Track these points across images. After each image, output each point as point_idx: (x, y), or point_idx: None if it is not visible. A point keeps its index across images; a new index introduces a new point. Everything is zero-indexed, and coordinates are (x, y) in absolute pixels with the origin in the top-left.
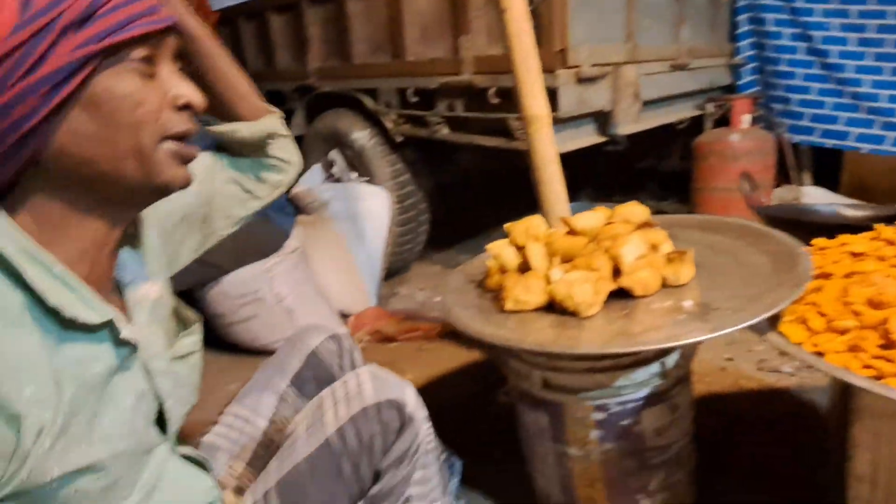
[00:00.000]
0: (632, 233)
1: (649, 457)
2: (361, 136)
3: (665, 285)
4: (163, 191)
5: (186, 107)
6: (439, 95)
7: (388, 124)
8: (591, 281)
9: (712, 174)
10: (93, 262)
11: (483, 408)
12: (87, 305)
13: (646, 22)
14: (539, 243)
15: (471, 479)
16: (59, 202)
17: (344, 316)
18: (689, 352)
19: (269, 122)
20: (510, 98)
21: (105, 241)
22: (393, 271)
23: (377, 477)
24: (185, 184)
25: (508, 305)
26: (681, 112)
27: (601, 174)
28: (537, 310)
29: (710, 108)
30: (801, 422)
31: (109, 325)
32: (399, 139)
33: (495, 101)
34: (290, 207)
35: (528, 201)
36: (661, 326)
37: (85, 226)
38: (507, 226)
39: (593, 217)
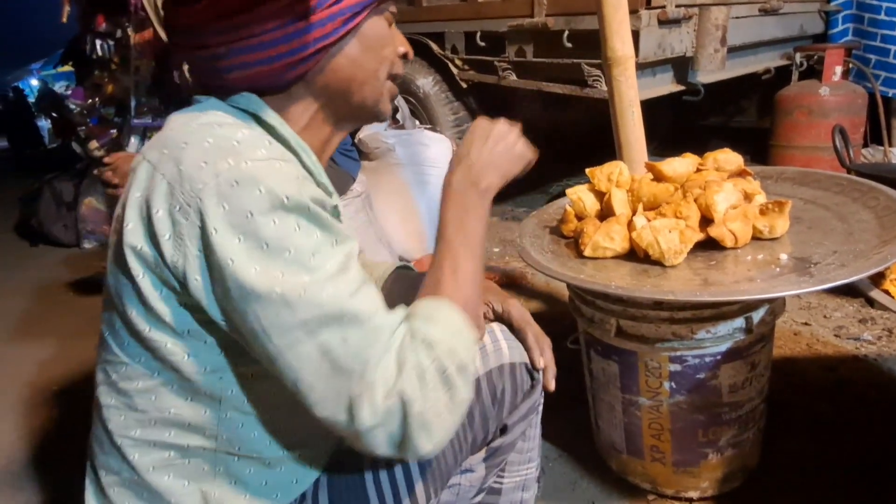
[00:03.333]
0: (725, 181)
1: (721, 412)
2: (426, 82)
3: (756, 238)
4: (377, 116)
5: (404, 56)
6: (509, 39)
7: (454, 70)
8: (679, 229)
9: (797, 131)
10: (320, 159)
11: None
12: (330, 185)
13: None
14: (622, 189)
15: None
16: (312, 108)
17: (404, 261)
18: (777, 308)
19: None
20: (585, 42)
21: (328, 146)
22: None
23: (503, 430)
24: (387, 114)
25: (587, 252)
26: (766, 61)
27: (666, 129)
28: (615, 258)
29: (798, 58)
30: (879, 391)
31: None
32: (464, 86)
33: (568, 45)
34: (355, 152)
35: (589, 154)
36: (754, 278)
37: (322, 130)
38: (588, 170)
39: (682, 163)
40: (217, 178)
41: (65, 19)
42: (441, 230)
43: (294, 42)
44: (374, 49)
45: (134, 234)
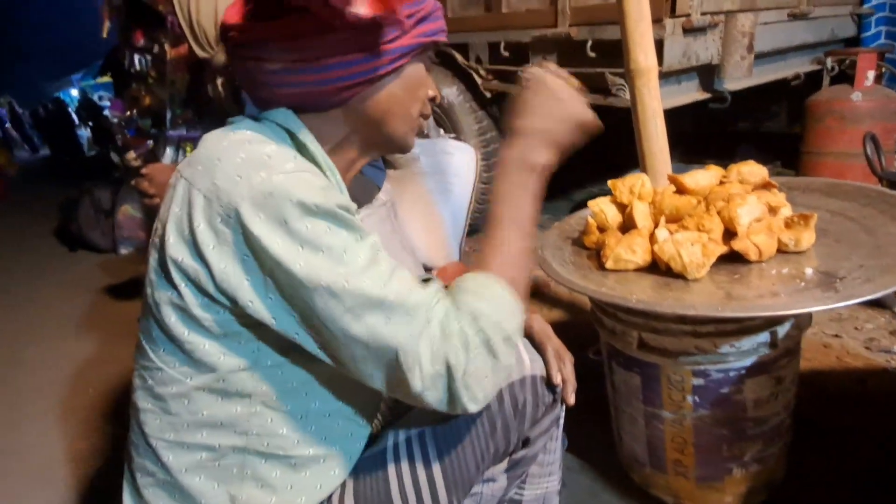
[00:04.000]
0: (749, 193)
1: (746, 427)
2: (450, 92)
3: (781, 251)
4: (402, 148)
5: (433, 99)
6: (532, 49)
7: (478, 80)
8: (701, 242)
9: (828, 137)
10: (344, 179)
11: None
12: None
13: None
14: (644, 202)
15: None
16: (343, 132)
17: (427, 269)
18: (803, 323)
19: None
20: (608, 52)
21: (353, 167)
22: (475, 228)
23: (525, 443)
24: (412, 147)
25: (609, 264)
26: (796, 67)
27: (691, 136)
28: (637, 270)
29: (830, 62)
30: None
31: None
32: (488, 95)
33: (592, 55)
34: (381, 162)
35: (614, 161)
36: (778, 293)
37: (349, 153)
38: (610, 182)
39: (705, 175)
40: (252, 189)
41: (105, 35)
42: (493, 207)
43: (348, 70)
44: (411, 89)
45: (176, 248)
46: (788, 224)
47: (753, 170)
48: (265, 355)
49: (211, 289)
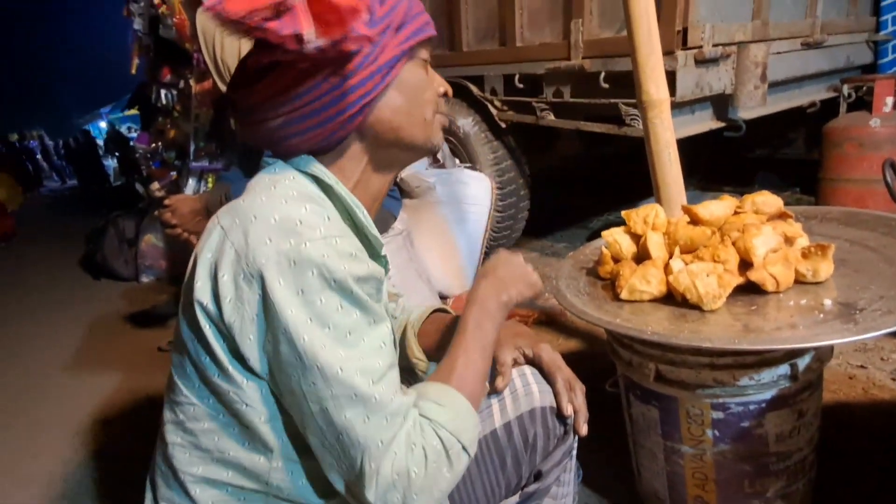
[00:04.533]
0: (764, 224)
1: (769, 462)
2: (466, 122)
3: (799, 282)
4: (429, 151)
5: (445, 94)
6: (546, 81)
7: (493, 111)
8: (717, 273)
9: (847, 164)
10: (370, 210)
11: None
12: (378, 237)
13: None
14: (658, 232)
15: None
16: (364, 160)
17: (443, 298)
18: (824, 355)
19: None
20: (621, 83)
21: (380, 195)
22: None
23: (537, 476)
24: (440, 145)
25: (624, 294)
26: (812, 94)
27: (708, 162)
28: (652, 301)
29: (846, 89)
30: None
31: (384, 257)
32: (503, 125)
33: (605, 86)
34: (397, 191)
35: (628, 190)
36: (796, 325)
37: (374, 180)
38: (624, 213)
39: (719, 206)
40: (278, 255)
41: (133, 71)
42: (461, 327)
43: (339, 105)
44: (413, 96)
45: (202, 292)
46: (805, 254)
47: (768, 200)
48: (283, 409)
49: (226, 334)
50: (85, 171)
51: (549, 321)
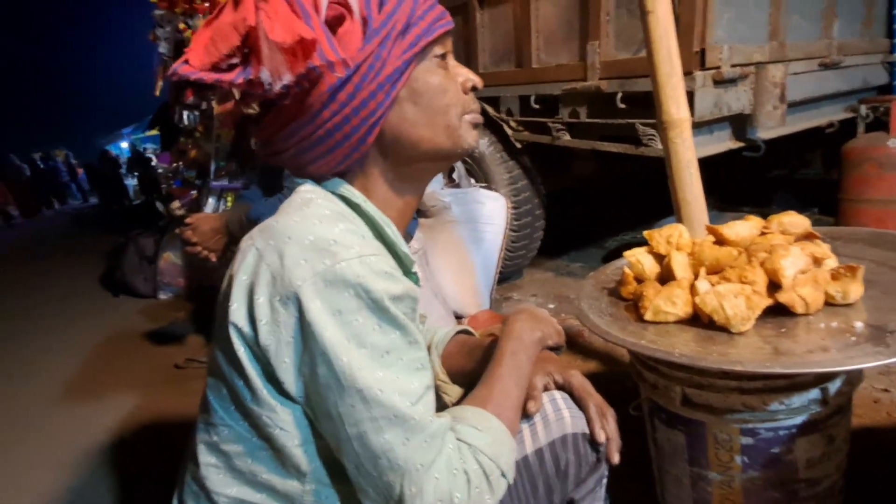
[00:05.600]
0: (791, 244)
1: (798, 489)
2: (482, 143)
3: (828, 304)
4: (462, 153)
5: (473, 88)
6: (563, 102)
7: (509, 131)
8: (745, 294)
9: (867, 184)
10: (401, 226)
11: None
12: (409, 254)
13: (793, 17)
14: (682, 252)
15: None
16: (390, 176)
17: (458, 317)
18: (854, 379)
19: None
20: (638, 103)
21: (410, 210)
22: (506, 276)
23: None
24: (476, 144)
25: (648, 316)
26: (829, 115)
27: (726, 183)
28: (677, 322)
29: (864, 110)
30: None
31: (415, 273)
32: (519, 146)
33: (622, 106)
34: None
35: (640, 213)
36: (828, 348)
37: (403, 197)
38: (646, 233)
39: (745, 226)
40: (314, 276)
41: (157, 93)
42: (498, 355)
43: (344, 129)
44: (430, 103)
45: (237, 314)
46: (835, 276)
47: (795, 220)
48: (317, 433)
49: (260, 357)
50: (106, 189)
51: (568, 342)
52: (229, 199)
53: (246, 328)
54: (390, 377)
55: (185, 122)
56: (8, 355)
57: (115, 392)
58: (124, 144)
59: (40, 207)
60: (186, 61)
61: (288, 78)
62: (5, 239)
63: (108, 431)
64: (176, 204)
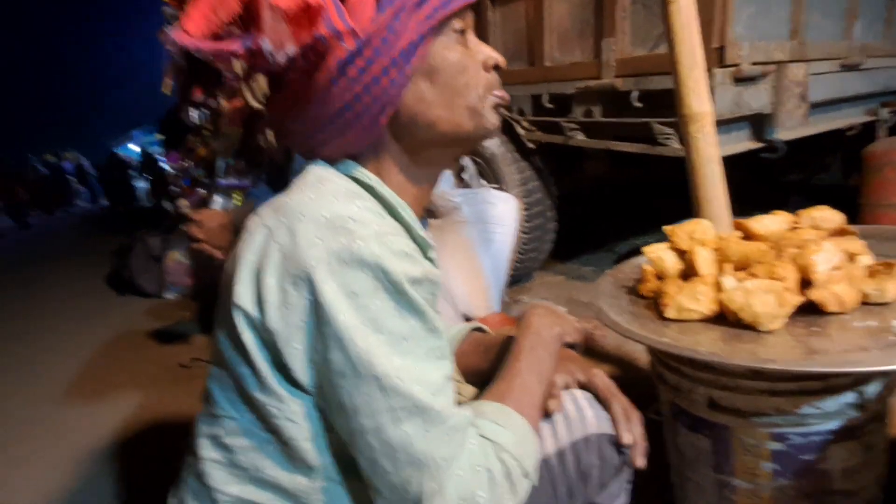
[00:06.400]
0: (824, 239)
1: (833, 501)
2: (493, 142)
3: (863, 302)
4: (488, 135)
5: (496, 66)
6: (576, 101)
7: (521, 131)
8: (775, 291)
9: (888, 188)
10: (417, 211)
11: None
12: (426, 238)
13: (814, 16)
14: (707, 248)
15: None
16: (405, 159)
17: (467, 320)
18: (894, 383)
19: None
20: (654, 102)
21: (426, 196)
22: (516, 279)
23: None
24: (498, 125)
25: (670, 313)
26: (850, 117)
27: (741, 187)
28: (701, 320)
29: (885, 113)
30: None
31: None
32: (530, 146)
33: (638, 104)
34: None
35: (653, 217)
36: (867, 348)
37: (419, 182)
38: (667, 228)
39: (774, 220)
40: (329, 255)
41: (166, 91)
42: (515, 350)
43: (356, 108)
44: (449, 81)
45: (243, 297)
46: (872, 273)
47: (827, 215)
48: (327, 426)
49: (268, 342)
50: (115, 191)
51: (584, 345)
52: (237, 197)
53: (253, 311)
54: (409, 365)
55: (195, 120)
56: (14, 353)
57: (121, 391)
58: (135, 147)
59: (56, 208)
60: (185, 31)
61: (292, 48)
62: (21, 239)
63: (113, 430)
64: (184, 202)
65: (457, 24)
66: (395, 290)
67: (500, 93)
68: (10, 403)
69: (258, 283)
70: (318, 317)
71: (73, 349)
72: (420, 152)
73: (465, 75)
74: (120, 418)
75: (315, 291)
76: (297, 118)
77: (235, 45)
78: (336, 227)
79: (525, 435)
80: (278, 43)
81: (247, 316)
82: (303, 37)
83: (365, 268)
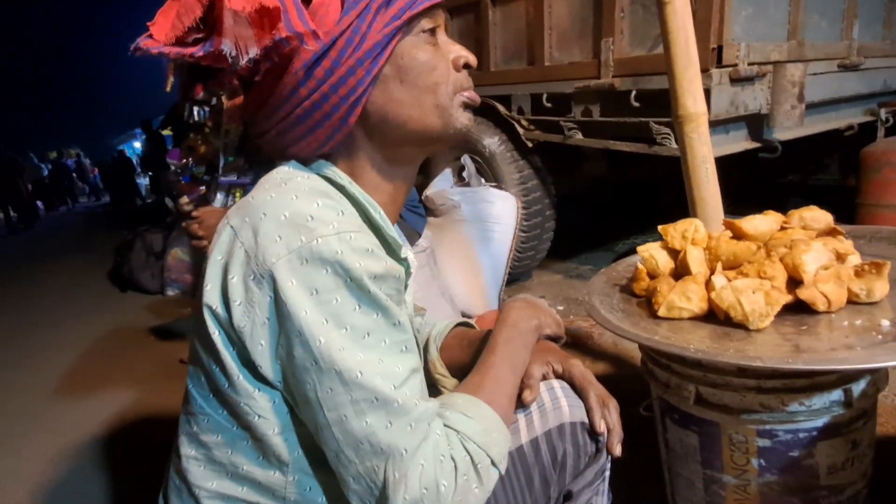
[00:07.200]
0: (813, 239)
1: (819, 496)
2: (492, 142)
3: (851, 302)
4: (458, 135)
5: (466, 66)
6: (575, 100)
7: (520, 130)
8: (764, 289)
9: (886, 189)
10: (391, 212)
11: None
12: (397, 239)
13: (812, 17)
14: (698, 247)
15: None
16: (377, 158)
17: (465, 317)
18: (880, 381)
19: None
20: (652, 102)
21: (400, 195)
22: (515, 277)
23: (567, 497)
24: (469, 125)
25: (661, 311)
26: (848, 118)
27: (738, 187)
28: (692, 319)
29: (884, 113)
30: None
31: (405, 259)
32: (529, 145)
33: (636, 104)
34: (422, 208)
35: (651, 216)
36: (853, 346)
37: (392, 181)
38: (660, 227)
39: (764, 221)
40: (289, 253)
41: (168, 89)
42: (491, 343)
43: (324, 108)
44: (417, 80)
45: (211, 295)
46: (859, 273)
47: (817, 215)
48: (297, 421)
49: (235, 340)
50: (117, 188)
51: (576, 344)
52: (237, 194)
53: (220, 310)
54: (372, 359)
55: (196, 118)
56: (15, 348)
57: (120, 386)
58: (137, 144)
59: (60, 205)
60: (150, 35)
61: (254, 51)
62: (22, 239)
63: (112, 425)
64: (184, 199)
65: (426, 23)
66: (356, 286)
67: (468, 93)
68: (10, 397)
69: (224, 282)
70: (281, 314)
71: (73, 345)
72: (393, 151)
73: (433, 74)
74: (119, 413)
75: (277, 289)
76: (268, 118)
77: (196, 49)
78: (296, 226)
79: (493, 425)
80: (241, 45)
81: (214, 314)
82: (264, 39)
83: (325, 265)
